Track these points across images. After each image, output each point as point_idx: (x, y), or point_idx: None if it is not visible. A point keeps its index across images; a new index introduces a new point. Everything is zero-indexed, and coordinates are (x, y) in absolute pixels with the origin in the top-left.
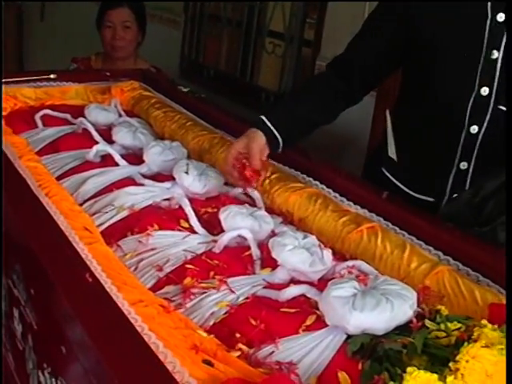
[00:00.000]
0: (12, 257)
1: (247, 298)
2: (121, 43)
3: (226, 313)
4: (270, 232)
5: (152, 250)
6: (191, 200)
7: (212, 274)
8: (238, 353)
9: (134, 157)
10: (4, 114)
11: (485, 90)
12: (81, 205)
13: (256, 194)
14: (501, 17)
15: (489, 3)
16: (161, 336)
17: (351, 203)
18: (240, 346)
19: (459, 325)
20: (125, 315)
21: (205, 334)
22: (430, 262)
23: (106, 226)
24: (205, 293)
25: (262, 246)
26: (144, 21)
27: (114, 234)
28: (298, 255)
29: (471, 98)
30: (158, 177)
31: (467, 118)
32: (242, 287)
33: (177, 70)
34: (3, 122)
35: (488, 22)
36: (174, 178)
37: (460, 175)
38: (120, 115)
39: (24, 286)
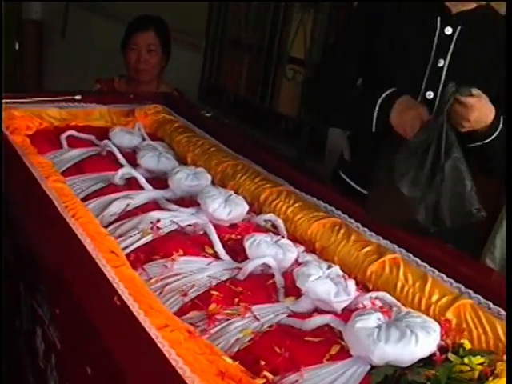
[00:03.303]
0: (37, 276)
1: (271, 326)
2: (145, 66)
3: (250, 340)
4: (294, 260)
5: (177, 275)
6: (215, 226)
7: (236, 300)
8: (263, 380)
9: (159, 181)
10: (30, 133)
11: (429, 94)
12: (106, 227)
13: (279, 222)
14: (448, 30)
15: (438, 18)
16: (187, 361)
17: (373, 234)
18: (265, 373)
19: (482, 359)
20: (153, 340)
21: (230, 361)
22: (451, 294)
23: (131, 249)
24: (229, 319)
25: (286, 274)
26: (169, 45)
27: (139, 258)
28: (322, 285)
29: (417, 100)
30: (182, 202)
31: None
32: (267, 315)
33: (196, 93)
34: (29, 142)
35: (437, 34)
36: (198, 204)
37: None
38: (144, 139)
39: (48, 305)
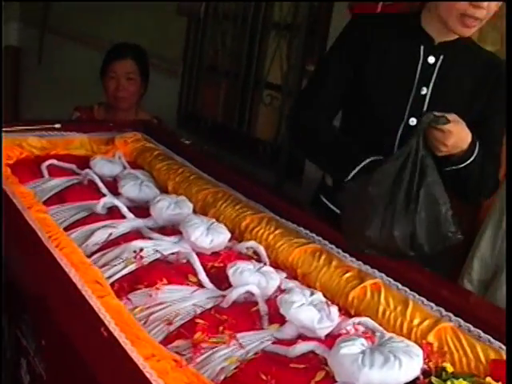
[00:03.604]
0: (21, 306)
1: (257, 354)
2: (124, 94)
3: (236, 368)
4: (277, 287)
5: (161, 304)
6: (197, 254)
7: (221, 328)
8: None
9: (140, 209)
10: (10, 162)
11: (412, 121)
12: (89, 257)
13: (261, 249)
14: (431, 59)
15: (422, 47)
16: None
17: (354, 259)
18: None
19: (465, 382)
20: (140, 370)
21: None
22: (432, 318)
23: (115, 278)
24: (215, 348)
25: (269, 301)
26: (147, 73)
27: (123, 287)
28: (306, 312)
29: (400, 127)
30: (164, 230)
31: (396, 145)
32: (251, 343)
33: (174, 119)
34: (10, 171)
35: (420, 62)
36: (180, 233)
37: None
38: (124, 167)
39: (34, 336)
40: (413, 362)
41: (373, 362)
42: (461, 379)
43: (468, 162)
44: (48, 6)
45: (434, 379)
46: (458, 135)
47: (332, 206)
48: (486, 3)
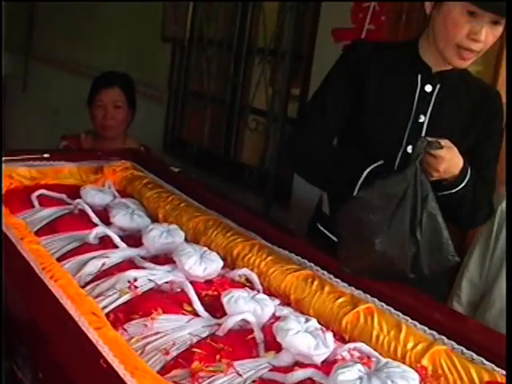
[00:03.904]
0: (16, 339)
1: (254, 382)
2: (112, 123)
3: None
4: (271, 314)
5: (157, 333)
6: (191, 282)
7: (218, 357)
8: None
9: (132, 238)
10: None
11: (410, 148)
12: (83, 287)
13: (253, 277)
14: (428, 87)
15: (419, 75)
16: None
17: (346, 284)
18: None
19: None
20: None
21: None
22: (425, 341)
23: (110, 309)
24: (213, 376)
25: (264, 328)
26: (134, 101)
27: (118, 318)
28: (302, 339)
29: (398, 154)
30: (157, 259)
31: None
32: (249, 370)
33: (161, 145)
34: None
35: (417, 91)
36: (173, 261)
37: None
38: (115, 196)
39: (30, 369)
40: None
41: None
42: None
43: (460, 187)
44: (32, 32)
45: None
46: (450, 161)
47: (329, 235)
48: (483, 36)
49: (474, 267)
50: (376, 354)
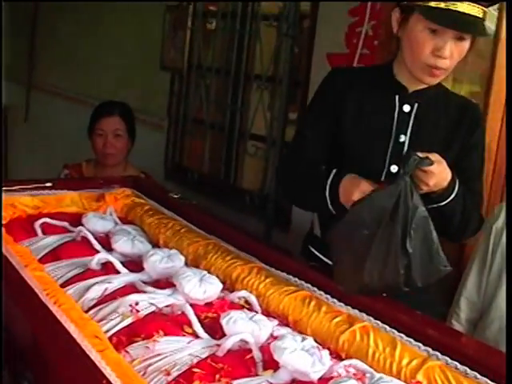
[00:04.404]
0: (21, 364)
1: None
2: (112, 151)
3: None
4: (269, 334)
5: (159, 355)
6: (191, 305)
7: (218, 376)
8: None
9: (134, 264)
10: (4, 222)
11: (394, 168)
12: (86, 312)
13: (252, 299)
14: (406, 107)
15: (396, 96)
16: None
17: (342, 304)
18: None
19: None
20: None
21: None
22: (420, 357)
23: (113, 332)
24: None
25: (263, 348)
26: (133, 129)
27: (121, 341)
28: (298, 357)
29: (383, 174)
30: (158, 283)
31: None
32: None
33: (162, 172)
34: (4, 231)
35: (396, 111)
36: (174, 285)
37: None
38: (116, 223)
39: None
40: None
41: None
42: None
43: (449, 199)
44: (33, 63)
45: None
46: (439, 175)
47: (322, 256)
48: (447, 53)
49: (472, 286)
50: (371, 370)
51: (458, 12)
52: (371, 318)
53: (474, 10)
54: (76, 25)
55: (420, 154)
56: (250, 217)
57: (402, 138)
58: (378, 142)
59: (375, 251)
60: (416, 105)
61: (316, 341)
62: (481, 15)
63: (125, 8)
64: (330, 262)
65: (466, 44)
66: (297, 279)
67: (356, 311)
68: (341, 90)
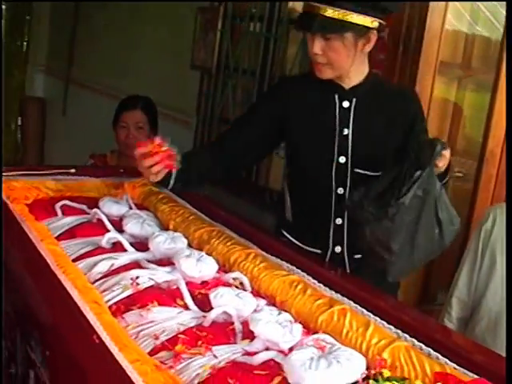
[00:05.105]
0: (31, 325)
1: (227, 363)
2: (134, 142)
3: (208, 374)
4: (253, 310)
5: (151, 322)
6: (188, 283)
7: (200, 342)
8: None
9: (141, 244)
10: (28, 202)
11: (342, 159)
12: (92, 283)
13: (244, 279)
14: (345, 103)
15: (336, 95)
16: None
17: (327, 288)
18: None
19: (396, 383)
20: (124, 370)
21: None
22: (389, 338)
23: (114, 301)
24: (192, 357)
25: (245, 322)
26: (156, 122)
27: (119, 308)
28: (271, 328)
29: (333, 165)
30: (160, 262)
31: (333, 182)
32: (224, 354)
33: None
34: (27, 210)
35: (337, 108)
36: (174, 264)
37: (338, 230)
38: (130, 208)
39: (40, 349)
40: (353, 367)
41: (318, 365)
42: (393, 381)
43: (446, 179)
44: (72, 59)
45: (371, 382)
46: (448, 158)
47: (293, 239)
48: (316, 49)
49: (463, 285)
50: (338, 343)
51: (311, 15)
52: (351, 302)
53: (329, 13)
54: (113, 24)
55: (441, 140)
56: (268, 213)
57: (346, 131)
58: (325, 136)
59: (420, 229)
60: (354, 100)
61: (299, 321)
62: (337, 16)
63: (159, 8)
64: (299, 244)
65: (336, 42)
66: (289, 265)
67: (338, 295)
68: (286, 95)
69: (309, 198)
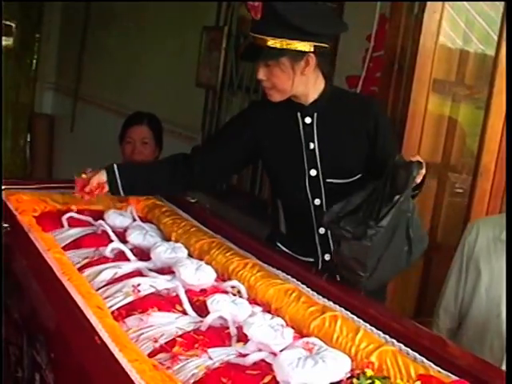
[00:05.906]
0: (37, 328)
1: (222, 364)
2: (139, 157)
3: (203, 374)
4: (248, 316)
5: (150, 326)
6: (187, 290)
7: (196, 345)
8: None
9: (143, 254)
10: (36, 214)
11: (313, 171)
12: (96, 290)
13: (241, 287)
14: (308, 119)
15: (298, 113)
16: None
17: (320, 296)
18: None
19: (378, 382)
20: (123, 368)
21: None
22: (377, 343)
23: (116, 307)
24: (189, 359)
25: (240, 327)
26: (161, 138)
27: (121, 314)
28: (263, 331)
29: (306, 178)
30: (161, 271)
31: (309, 194)
32: (219, 355)
33: None
34: (35, 221)
35: (300, 124)
36: (174, 273)
37: (322, 239)
38: (134, 219)
39: (45, 351)
40: (338, 367)
41: (305, 365)
42: (376, 380)
43: (416, 191)
44: (80, 76)
45: (354, 380)
46: (423, 174)
47: (288, 251)
48: (260, 76)
49: (450, 296)
50: (325, 345)
51: (255, 46)
52: (342, 309)
53: (270, 42)
54: (120, 42)
55: (419, 158)
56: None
57: (312, 146)
58: (294, 152)
59: (392, 246)
60: (315, 114)
61: (293, 327)
62: (277, 45)
63: (165, 27)
64: (294, 254)
65: (277, 69)
66: (284, 274)
67: (331, 303)
68: (256, 118)
69: (292, 210)
